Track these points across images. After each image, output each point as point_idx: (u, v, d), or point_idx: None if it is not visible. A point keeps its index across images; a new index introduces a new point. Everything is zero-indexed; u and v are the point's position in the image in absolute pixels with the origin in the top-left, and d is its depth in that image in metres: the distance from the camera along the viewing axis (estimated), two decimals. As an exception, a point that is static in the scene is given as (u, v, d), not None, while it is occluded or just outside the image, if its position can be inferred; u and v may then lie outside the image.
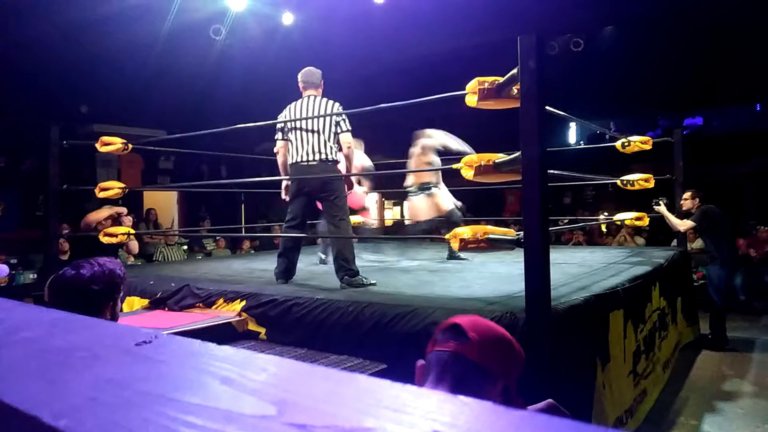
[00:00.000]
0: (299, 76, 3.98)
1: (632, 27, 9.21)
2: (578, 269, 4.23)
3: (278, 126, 3.94)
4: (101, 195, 4.51)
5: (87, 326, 0.56)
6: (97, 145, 4.52)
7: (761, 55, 8.77)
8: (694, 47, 8.99)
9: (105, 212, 4.50)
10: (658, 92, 10.15)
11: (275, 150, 4.04)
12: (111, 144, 4.49)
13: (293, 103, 3.91)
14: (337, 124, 3.81)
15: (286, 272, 3.87)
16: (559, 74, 8.61)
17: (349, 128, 3.85)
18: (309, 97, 3.88)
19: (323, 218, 4.46)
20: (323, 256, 5.19)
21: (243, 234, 9.32)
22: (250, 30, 8.41)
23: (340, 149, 3.91)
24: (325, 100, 3.87)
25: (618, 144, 5.24)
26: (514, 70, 2.49)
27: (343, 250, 3.66)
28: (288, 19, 8.60)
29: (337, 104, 3.82)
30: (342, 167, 4.04)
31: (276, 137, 4.00)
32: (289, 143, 3.88)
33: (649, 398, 3.88)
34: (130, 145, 4.61)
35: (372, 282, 3.62)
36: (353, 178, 4.57)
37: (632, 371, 3.59)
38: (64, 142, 4.56)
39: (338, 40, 7.99)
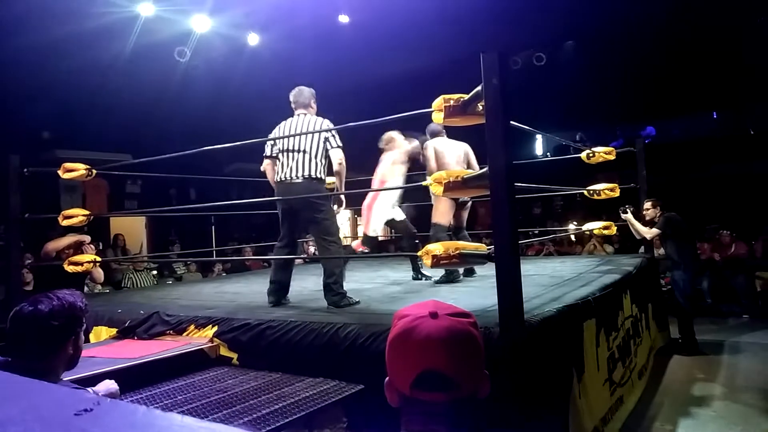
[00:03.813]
0: (290, 96, 3.93)
1: (591, 41, 9.48)
2: (550, 280, 4.27)
3: (267, 144, 3.88)
4: (65, 223, 4.38)
5: (25, 392, 0.52)
6: (60, 172, 4.41)
7: (714, 65, 9.11)
8: (650, 59, 9.28)
9: (65, 241, 4.38)
10: (618, 103, 10.43)
11: (262, 168, 3.98)
12: (74, 170, 4.38)
13: (284, 122, 3.86)
14: (326, 140, 3.72)
15: (279, 294, 3.78)
16: (522, 88, 8.78)
17: (340, 144, 3.76)
18: (299, 115, 3.84)
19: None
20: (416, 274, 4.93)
21: (214, 258, 9.16)
22: (215, 51, 8.38)
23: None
24: (314, 118, 3.82)
25: (583, 155, 5.35)
26: (479, 87, 2.52)
27: (334, 272, 3.59)
28: (254, 39, 8.61)
29: (326, 121, 3.76)
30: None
31: (264, 154, 3.93)
32: (277, 161, 3.81)
33: (626, 406, 3.92)
34: (95, 171, 4.50)
35: (357, 301, 3.58)
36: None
37: (608, 379, 3.62)
38: (25, 170, 4.43)
39: (304, 59, 8.01)
